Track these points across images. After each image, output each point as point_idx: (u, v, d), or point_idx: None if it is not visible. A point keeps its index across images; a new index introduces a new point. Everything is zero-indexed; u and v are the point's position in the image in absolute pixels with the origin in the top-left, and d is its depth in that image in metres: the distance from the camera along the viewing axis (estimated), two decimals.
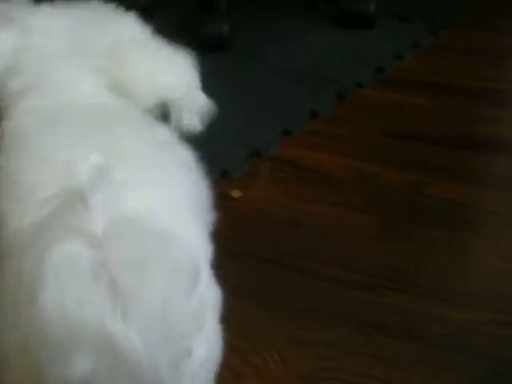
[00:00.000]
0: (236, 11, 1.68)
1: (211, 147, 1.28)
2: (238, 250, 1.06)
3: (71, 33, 0.87)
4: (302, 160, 1.27)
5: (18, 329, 0.56)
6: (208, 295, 0.66)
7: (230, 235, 1.10)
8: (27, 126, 0.76)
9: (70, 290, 0.52)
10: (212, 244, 0.78)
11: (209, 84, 1.50)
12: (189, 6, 1.83)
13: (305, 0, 1.96)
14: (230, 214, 1.14)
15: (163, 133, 0.81)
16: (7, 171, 0.72)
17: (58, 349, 0.52)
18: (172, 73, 0.89)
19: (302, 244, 1.07)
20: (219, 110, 1.40)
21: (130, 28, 0.91)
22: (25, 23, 0.88)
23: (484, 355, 0.88)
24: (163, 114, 0.85)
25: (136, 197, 0.61)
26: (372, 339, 0.91)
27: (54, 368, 0.53)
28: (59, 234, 0.55)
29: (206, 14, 1.66)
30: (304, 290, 0.98)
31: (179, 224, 0.67)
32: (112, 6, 0.92)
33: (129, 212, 0.57)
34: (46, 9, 0.92)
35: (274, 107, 1.41)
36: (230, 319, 0.93)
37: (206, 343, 0.64)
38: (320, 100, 1.45)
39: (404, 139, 1.31)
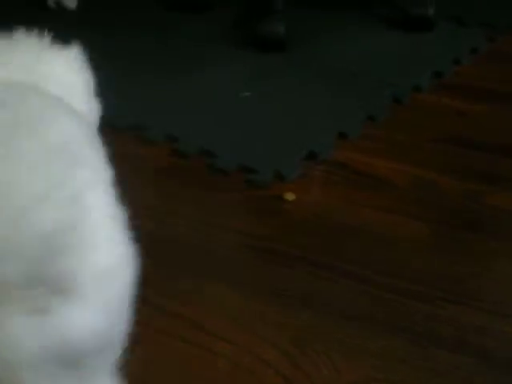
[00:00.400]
0: (291, 12, 1.66)
1: (265, 149, 1.28)
2: (292, 254, 1.05)
3: None
4: (357, 164, 1.25)
5: None
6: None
7: (283, 239, 1.09)
8: None
9: None
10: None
11: (263, 83, 1.50)
12: (243, 5, 1.83)
13: (359, 1, 1.94)
14: (284, 217, 1.14)
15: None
16: None
17: None
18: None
19: (357, 250, 1.05)
20: (273, 112, 1.40)
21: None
22: None
23: None
24: None
25: None
26: (427, 351, 0.89)
27: None
28: None
29: (263, 14, 1.65)
30: (358, 297, 0.97)
31: None
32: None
33: None
34: None
35: (329, 110, 1.39)
36: (281, 324, 0.93)
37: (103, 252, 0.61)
38: (376, 103, 1.42)
39: (462, 146, 1.29)
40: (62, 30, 1.85)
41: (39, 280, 0.56)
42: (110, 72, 1.57)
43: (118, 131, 1.38)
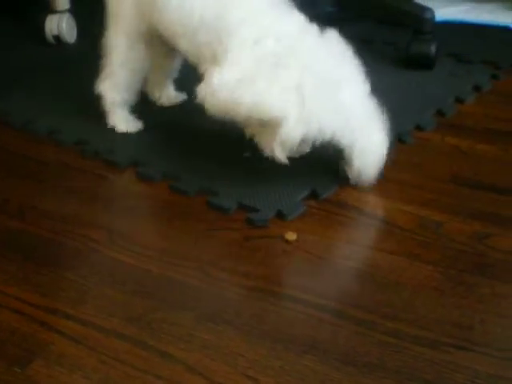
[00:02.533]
0: None
1: (266, 188, 1.26)
2: (294, 296, 1.02)
3: None
4: (360, 204, 1.22)
5: None
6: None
7: (285, 280, 1.07)
8: None
9: None
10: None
11: None
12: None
13: (360, 39, 1.94)
14: (285, 257, 1.11)
15: None
16: None
17: None
18: None
19: (361, 293, 1.02)
20: None
21: None
22: None
23: None
24: None
25: None
26: None
27: None
28: None
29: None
30: (363, 343, 0.94)
31: None
32: None
33: None
34: None
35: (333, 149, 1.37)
36: (284, 370, 0.90)
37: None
38: None
39: (469, 187, 1.26)
40: (62, 63, 1.88)
41: None
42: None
43: (115, 167, 1.37)
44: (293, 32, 1.20)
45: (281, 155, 1.18)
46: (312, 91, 1.14)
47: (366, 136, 1.19)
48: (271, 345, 0.94)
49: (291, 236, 1.14)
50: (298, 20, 1.23)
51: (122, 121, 1.47)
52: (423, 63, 1.73)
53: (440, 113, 1.53)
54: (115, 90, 1.45)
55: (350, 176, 1.23)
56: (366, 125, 1.20)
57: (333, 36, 1.23)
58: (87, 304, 1.02)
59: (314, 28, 1.23)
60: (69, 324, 0.99)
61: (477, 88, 1.65)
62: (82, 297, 1.04)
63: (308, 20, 1.24)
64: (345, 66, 1.21)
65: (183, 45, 1.30)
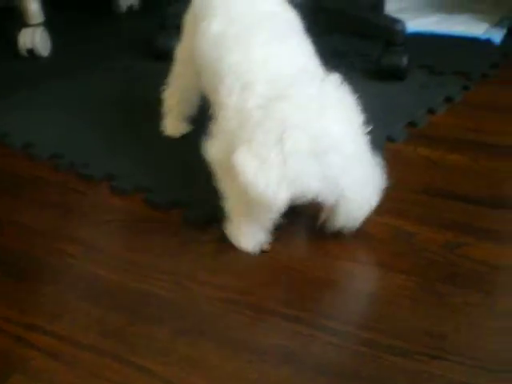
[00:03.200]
0: None
1: None
2: (270, 309, 1.03)
3: None
4: None
5: None
6: None
7: (261, 293, 1.07)
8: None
9: None
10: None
11: None
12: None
13: (332, 51, 1.96)
14: (261, 270, 1.12)
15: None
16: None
17: None
18: None
19: (336, 305, 1.03)
20: None
21: None
22: None
23: None
24: None
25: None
26: None
27: None
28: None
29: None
30: (339, 354, 0.95)
31: None
32: None
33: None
34: None
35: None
36: (261, 382, 0.91)
37: None
38: None
39: (440, 197, 1.28)
40: (36, 77, 1.88)
41: None
42: (81, 123, 1.58)
43: (90, 181, 1.37)
44: (288, 75, 1.12)
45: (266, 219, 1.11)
46: (294, 149, 1.03)
47: (355, 193, 1.09)
48: (247, 357, 0.94)
49: (264, 246, 1.15)
50: (299, 60, 1.18)
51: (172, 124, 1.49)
52: (395, 75, 1.75)
53: (412, 124, 1.55)
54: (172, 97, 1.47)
55: (330, 226, 1.15)
56: (360, 191, 1.10)
57: (334, 80, 1.14)
58: (64, 319, 1.03)
59: (314, 68, 1.19)
60: (46, 339, 0.99)
61: (448, 99, 1.67)
62: (59, 311, 1.04)
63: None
64: (341, 119, 1.10)
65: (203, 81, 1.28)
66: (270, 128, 1.04)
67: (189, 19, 1.39)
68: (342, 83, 1.14)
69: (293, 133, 1.03)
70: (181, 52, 1.42)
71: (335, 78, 1.14)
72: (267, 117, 1.05)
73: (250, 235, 1.14)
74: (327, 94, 1.11)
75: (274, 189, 1.02)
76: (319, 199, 1.07)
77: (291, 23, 1.28)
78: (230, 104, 1.11)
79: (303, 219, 1.22)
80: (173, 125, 1.49)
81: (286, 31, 1.23)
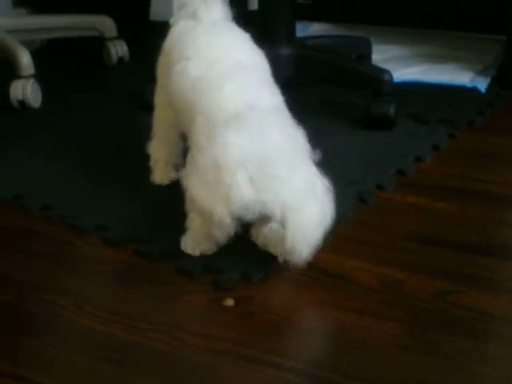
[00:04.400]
0: None
1: (231, 250, 1.27)
2: (263, 359, 1.03)
3: None
4: (325, 264, 1.24)
5: None
6: None
7: (253, 343, 1.07)
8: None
9: None
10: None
11: None
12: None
13: (320, 100, 1.98)
14: (252, 320, 1.12)
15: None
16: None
17: None
18: None
19: (328, 354, 1.03)
20: None
21: None
22: None
23: None
24: None
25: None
26: None
27: None
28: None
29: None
30: None
31: None
32: None
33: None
34: None
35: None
36: None
37: None
38: (342, 203, 1.42)
39: (429, 245, 1.29)
40: (25, 127, 1.89)
41: None
42: (71, 174, 1.59)
43: (80, 232, 1.38)
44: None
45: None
46: (230, 168, 1.13)
47: (301, 213, 1.14)
48: None
49: (229, 302, 1.15)
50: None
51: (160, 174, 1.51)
52: (383, 124, 1.77)
53: (400, 172, 1.57)
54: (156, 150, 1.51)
55: (280, 254, 1.17)
56: (303, 201, 1.15)
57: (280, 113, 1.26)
58: (55, 371, 1.02)
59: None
60: None
61: (435, 147, 1.69)
62: (50, 364, 1.04)
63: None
64: (287, 139, 1.21)
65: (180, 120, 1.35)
66: (210, 152, 1.15)
67: (161, 61, 1.44)
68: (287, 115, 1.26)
69: (228, 154, 1.13)
70: (157, 96, 1.46)
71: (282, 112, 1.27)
72: (209, 142, 1.16)
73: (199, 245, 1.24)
74: (267, 119, 1.20)
75: (213, 205, 1.13)
76: (266, 215, 1.14)
77: (263, 72, 1.35)
78: (202, 143, 1.19)
79: (291, 267, 1.23)
80: (161, 174, 1.51)
81: (257, 80, 1.30)
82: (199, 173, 1.16)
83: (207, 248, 1.24)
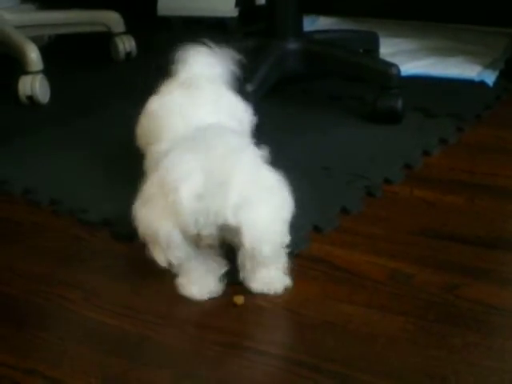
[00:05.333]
0: (262, 106, 1.69)
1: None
2: (271, 352, 1.03)
3: None
4: (332, 258, 1.24)
5: None
6: None
7: (261, 337, 1.08)
8: None
9: None
10: None
11: None
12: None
13: (328, 95, 1.99)
14: (261, 313, 1.12)
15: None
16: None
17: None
18: None
19: (337, 347, 1.03)
20: None
21: None
22: None
23: None
24: None
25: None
26: None
27: None
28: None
29: None
30: None
31: None
32: None
33: None
34: None
35: (303, 204, 1.39)
36: None
37: None
38: (350, 197, 1.43)
39: (436, 238, 1.29)
40: (34, 123, 1.90)
41: None
42: (79, 169, 1.60)
43: (89, 227, 1.38)
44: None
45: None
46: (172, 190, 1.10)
47: (253, 210, 1.11)
48: None
49: (239, 299, 1.15)
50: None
51: None
52: (390, 118, 1.77)
53: (408, 166, 1.57)
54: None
55: (242, 259, 1.14)
56: (254, 198, 1.11)
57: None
58: (64, 364, 1.03)
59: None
60: None
61: (443, 141, 1.69)
62: (59, 357, 1.04)
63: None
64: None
65: None
66: (154, 175, 1.16)
67: (139, 134, 1.46)
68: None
69: (171, 172, 1.11)
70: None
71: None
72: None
73: (198, 282, 1.16)
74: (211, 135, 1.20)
75: (158, 222, 1.11)
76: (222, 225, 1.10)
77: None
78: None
79: (300, 261, 1.23)
80: None
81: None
82: (144, 198, 1.15)
83: (212, 283, 1.17)
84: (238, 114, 1.41)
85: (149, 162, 1.33)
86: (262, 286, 1.15)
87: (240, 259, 1.14)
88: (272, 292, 1.15)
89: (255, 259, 1.12)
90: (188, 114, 1.34)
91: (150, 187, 1.15)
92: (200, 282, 1.16)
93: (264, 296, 1.15)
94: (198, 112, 1.34)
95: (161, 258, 1.14)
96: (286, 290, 1.16)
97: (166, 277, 1.20)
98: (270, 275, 1.15)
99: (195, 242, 1.13)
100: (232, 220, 1.09)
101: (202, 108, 1.36)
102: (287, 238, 1.16)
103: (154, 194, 1.13)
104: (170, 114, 1.36)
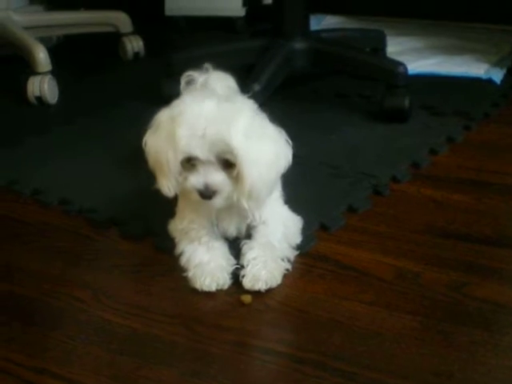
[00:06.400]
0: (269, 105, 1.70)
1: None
2: (277, 350, 1.04)
3: None
4: (339, 256, 1.25)
5: None
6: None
7: (268, 335, 1.09)
8: None
9: None
10: None
11: None
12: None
13: (335, 94, 1.99)
14: (268, 312, 1.13)
15: None
16: None
17: None
18: None
19: (343, 345, 1.04)
20: None
21: None
22: None
23: None
24: None
25: None
26: None
27: None
28: None
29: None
30: None
31: None
32: None
33: None
34: None
35: (310, 202, 1.40)
36: None
37: None
38: (357, 195, 1.44)
39: (444, 237, 1.30)
40: (43, 123, 1.90)
41: None
42: (88, 169, 1.61)
43: (99, 226, 1.39)
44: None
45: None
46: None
47: (254, 150, 1.13)
48: None
49: (246, 298, 1.15)
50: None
51: None
52: (398, 116, 1.77)
53: (415, 164, 1.57)
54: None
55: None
56: (255, 136, 1.14)
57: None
58: (74, 363, 1.04)
59: None
60: (56, 383, 1.00)
61: (450, 139, 1.69)
62: (69, 356, 1.05)
63: None
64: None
65: None
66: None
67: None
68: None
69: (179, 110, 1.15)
70: None
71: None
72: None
73: (207, 275, 1.18)
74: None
75: (160, 149, 1.15)
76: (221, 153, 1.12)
77: None
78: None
79: (307, 259, 1.24)
80: None
81: None
82: (154, 125, 1.19)
83: (223, 277, 1.19)
84: None
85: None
86: (252, 283, 1.16)
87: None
88: (256, 288, 1.15)
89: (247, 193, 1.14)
90: None
91: (160, 115, 1.18)
92: (209, 274, 1.18)
93: (271, 295, 1.16)
94: None
95: (164, 186, 1.18)
96: (291, 289, 1.17)
97: (175, 276, 1.21)
98: (260, 273, 1.17)
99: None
100: (238, 145, 1.11)
101: None
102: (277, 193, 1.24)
103: (162, 121, 1.17)
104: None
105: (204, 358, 1.04)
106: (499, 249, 1.26)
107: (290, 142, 1.19)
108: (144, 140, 1.20)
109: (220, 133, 1.11)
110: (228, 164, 1.13)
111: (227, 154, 1.12)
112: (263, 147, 1.14)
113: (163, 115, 1.18)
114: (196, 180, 1.14)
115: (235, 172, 1.13)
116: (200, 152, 1.12)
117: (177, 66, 1.86)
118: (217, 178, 1.14)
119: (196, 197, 1.15)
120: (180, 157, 1.13)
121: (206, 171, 1.13)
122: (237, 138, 1.11)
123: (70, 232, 1.39)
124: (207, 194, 1.14)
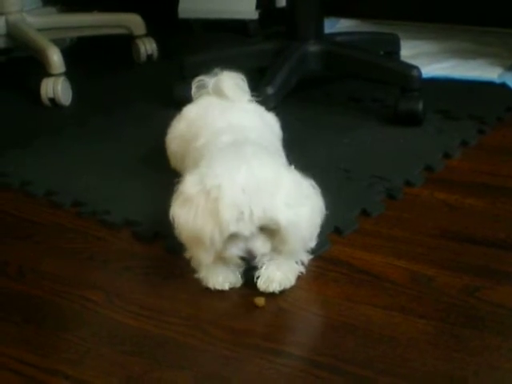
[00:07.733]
0: (283, 108, 1.70)
1: None
2: (291, 353, 1.04)
3: None
4: (353, 260, 1.25)
5: None
6: None
7: (282, 338, 1.08)
8: None
9: None
10: None
11: None
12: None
13: (349, 97, 1.99)
14: (282, 315, 1.13)
15: None
16: None
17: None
18: None
19: (356, 349, 1.04)
20: None
21: None
22: None
23: None
24: None
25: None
26: None
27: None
28: None
29: None
30: None
31: None
32: None
33: None
34: None
35: (323, 205, 1.40)
36: None
37: None
38: (370, 199, 1.43)
39: (456, 241, 1.29)
40: (56, 124, 1.91)
41: None
42: (102, 171, 1.61)
43: (112, 228, 1.39)
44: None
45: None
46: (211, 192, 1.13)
47: (295, 212, 1.15)
48: None
49: (260, 301, 1.15)
50: None
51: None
52: (411, 120, 1.77)
53: (429, 168, 1.57)
54: None
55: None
56: (294, 202, 1.16)
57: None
58: (86, 364, 1.04)
59: None
60: None
61: (464, 143, 1.69)
62: (81, 357, 1.05)
63: None
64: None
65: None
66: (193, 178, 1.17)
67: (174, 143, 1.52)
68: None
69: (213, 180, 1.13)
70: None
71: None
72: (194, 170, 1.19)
73: (219, 274, 1.19)
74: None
75: (200, 223, 1.12)
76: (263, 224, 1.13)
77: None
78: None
79: (321, 263, 1.23)
80: None
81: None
82: (183, 198, 1.16)
83: (232, 277, 1.20)
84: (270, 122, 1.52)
85: (187, 162, 1.37)
86: (267, 284, 1.16)
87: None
88: (270, 290, 1.16)
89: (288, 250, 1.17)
90: (226, 115, 1.41)
91: (189, 187, 1.16)
92: (221, 273, 1.19)
93: (285, 297, 1.15)
94: (234, 114, 1.43)
95: (205, 258, 1.16)
96: (305, 292, 1.17)
97: (187, 278, 1.21)
98: (274, 274, 1.17)
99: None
100: (281, 217, 1.12)
101: (239, 111, 1.44)
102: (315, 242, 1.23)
103: (194, 193, 1.14)
104: (209, 114, 1.44)
105: (218, 361, 1.03)
106: None
107: (317, 187, 1.21)
108: (171, 213, 1.17)
109: (265, 210, 1.11)
110: (268, 229, 1.15)
111: (270, 224, 1.13)
112: (302, 210, 1.15)
113: (192, 188, 1.15)
114: (239, 249, 1.15)
115: (276, 235, 1.15)
116: (246, 230, 1.12)
117: (189, 69, 1.86)
118: (259, 244, 1.15)
119: (237, 261, 1.17)
120: (226, 235, 1.12)
121: (248, 239, 1.14)
122: (280, 210, 1.12)
123: (82, 233, 1.39)
124: (251, 259, 1.16)
